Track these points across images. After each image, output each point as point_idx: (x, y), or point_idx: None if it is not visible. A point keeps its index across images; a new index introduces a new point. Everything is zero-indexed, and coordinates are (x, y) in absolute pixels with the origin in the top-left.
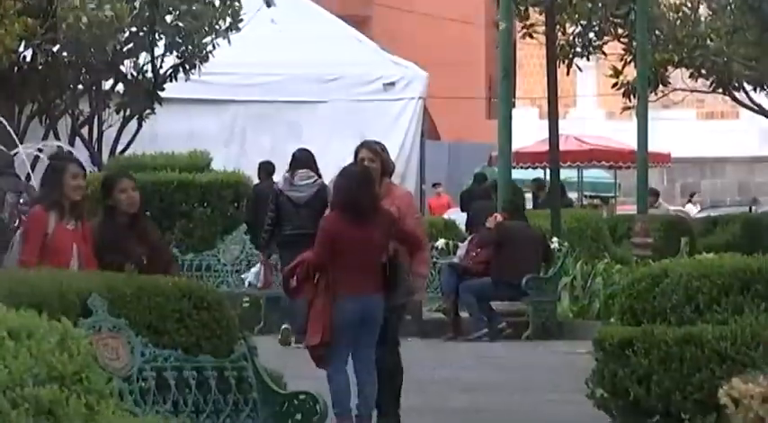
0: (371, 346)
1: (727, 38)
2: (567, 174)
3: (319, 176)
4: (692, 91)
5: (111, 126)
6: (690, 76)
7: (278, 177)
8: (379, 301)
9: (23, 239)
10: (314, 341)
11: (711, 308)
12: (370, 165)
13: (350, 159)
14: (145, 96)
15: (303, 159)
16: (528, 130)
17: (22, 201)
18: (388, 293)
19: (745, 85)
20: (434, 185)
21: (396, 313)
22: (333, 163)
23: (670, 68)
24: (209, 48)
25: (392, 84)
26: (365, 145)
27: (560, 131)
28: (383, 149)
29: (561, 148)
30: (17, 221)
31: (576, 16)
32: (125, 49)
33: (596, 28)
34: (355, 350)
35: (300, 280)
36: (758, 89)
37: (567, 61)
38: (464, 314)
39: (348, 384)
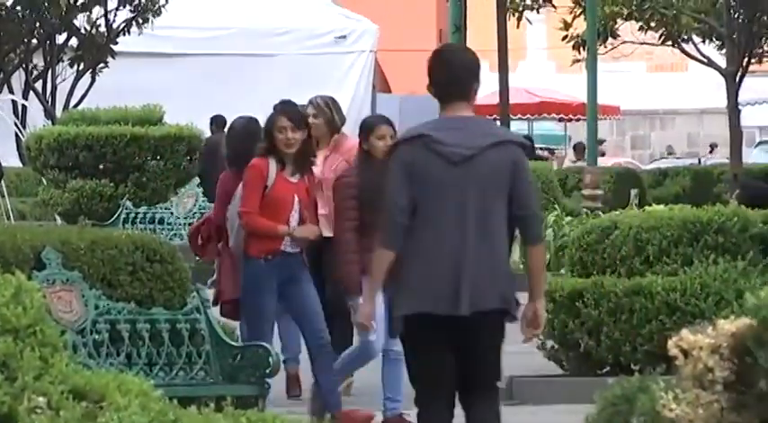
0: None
1: None
2: (517, 126)
3: None
4: (641, 43)
5: (64, 80)
6: (639, 29)
7: None
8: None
9: (243, 190)
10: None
11: (661, 259)
12: (314, 121)
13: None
14: (98, 50)
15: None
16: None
17: None
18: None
19: (694, 37)
20: None
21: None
22: None
23: (619, 21)
24: (162, 2)
25: (343, 37)
26: (310, 101)
27: (510, 84)
28: (328, 105)
29: (511, 100)
30: None
31: None
32: (78, 4)
33: None
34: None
35: (204, 239)
36: (707, 41)
37: (517, 14)
38: None
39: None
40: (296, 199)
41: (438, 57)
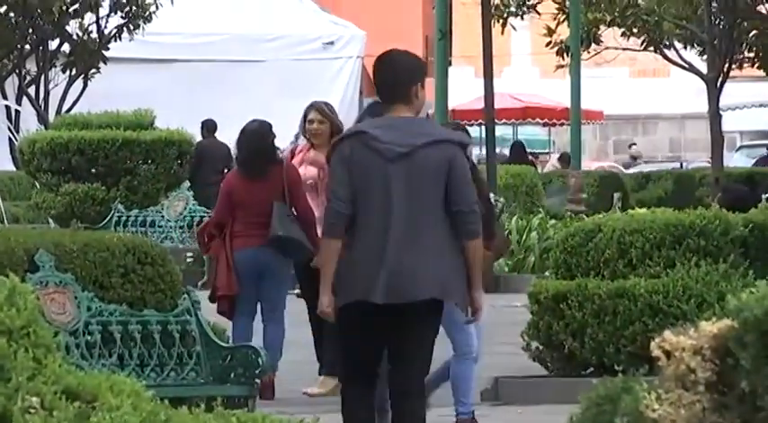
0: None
1: None
2: (502, 131)
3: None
4: (623, 49)
5: (57, 85)
6: (622, 35)
7: (219, 135)
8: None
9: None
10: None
11: (644, 262)
12: (320, 127)
13: (291, 116)
14: (90, 56)
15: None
16: (464, 88)
17: None
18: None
19: (676, 43)
20: None
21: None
22: (275, 120)
23: (602, 27)
24: (153, 8)
25: (331, 43)
26: (314, 106)
27: (496, 89)
28: (331, 110)
29: (496, 105)
30: None
31: None
32: (71, 10)
33: None
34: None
35: (208, 237)
36: (688, 47)
37: (502, 21)
38: None
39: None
40: None
41: (382, 61)
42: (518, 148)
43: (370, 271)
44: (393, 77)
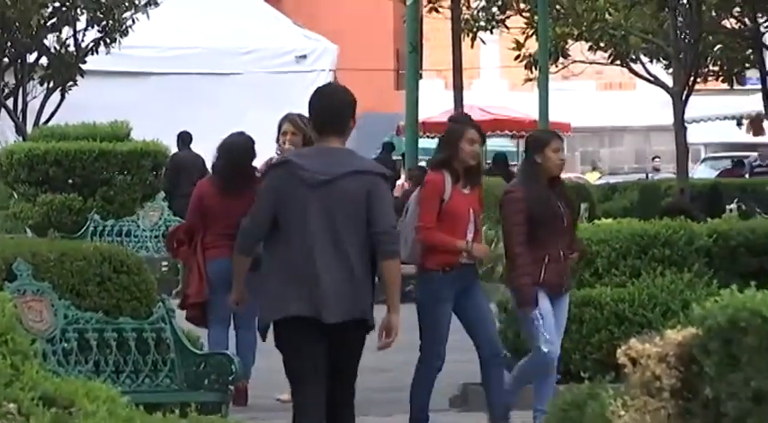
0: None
1: (624, 11)
2: None
3: None
4: (590, 63)
5: (35, 97)
6: (589, 49)
7: (194, 146)
8: None
9: (421, 205)
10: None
11: (610, 271)
12: (293, 138)
13: (265, 128)
14: (67, 69)
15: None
16: (434, 101)
17: None
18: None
19: (642, 57)
20: None
21: None
22: (249, 132)
23: (570, 41)
24: (129, 22)
25: (304, 56)
26: (288, 118)
27: (465, 102)
28: (305, 122)
29: None
30: None
31: None
32: (48, 24)
33: (499, 2)
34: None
35: (178, 242)
36: (654, 61)
37: (471, 35)
38: None
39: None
40: (471, 211)
41: (323, 94)
42: (500, 160)
43: (295, 289)
44: (332, 111)
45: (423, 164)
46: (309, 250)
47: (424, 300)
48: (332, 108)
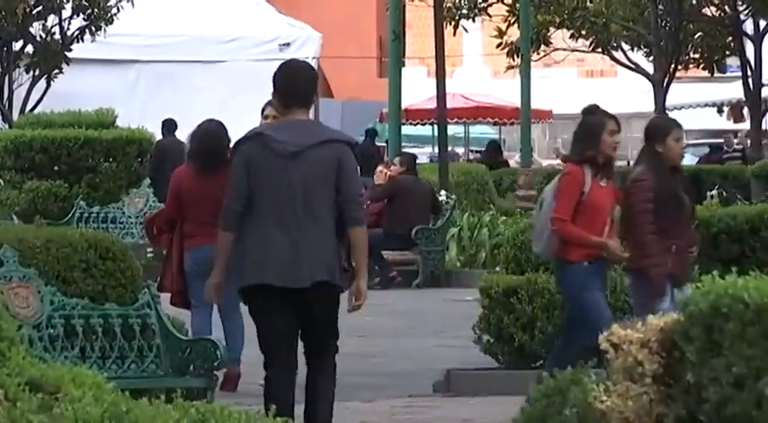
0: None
1: None
2: (453, 130)
3: None
4: (572, 50)
5: (21, 85)
6: (570, 37)
7: (179, 134)
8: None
9: (558, 196)
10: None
11: None
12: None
13: (248, 115)
14: (53, 57)
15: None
16: (417, 88)
17: None
18: None
19: (623, 44)
20: None
21: None
22: (233, 120)
23: (551, 29)
24: (114, 11)
25: (287, 44)
26: (271, 103)
27: (447, 89)
28: None
29: (448, 105)
30: None
31: None
32: (34, 12)
33: None
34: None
35: (157, 230)
36: (635, 48)
37: (453, 22)
38: None
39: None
40: (609, 204)
41: (287, 69)
42: (493, 148)
43: (282, 256)
44: (296, 84)
45: (410, 151)
46: (281, 218)
47: (574, 291)
48: (298, 82)
